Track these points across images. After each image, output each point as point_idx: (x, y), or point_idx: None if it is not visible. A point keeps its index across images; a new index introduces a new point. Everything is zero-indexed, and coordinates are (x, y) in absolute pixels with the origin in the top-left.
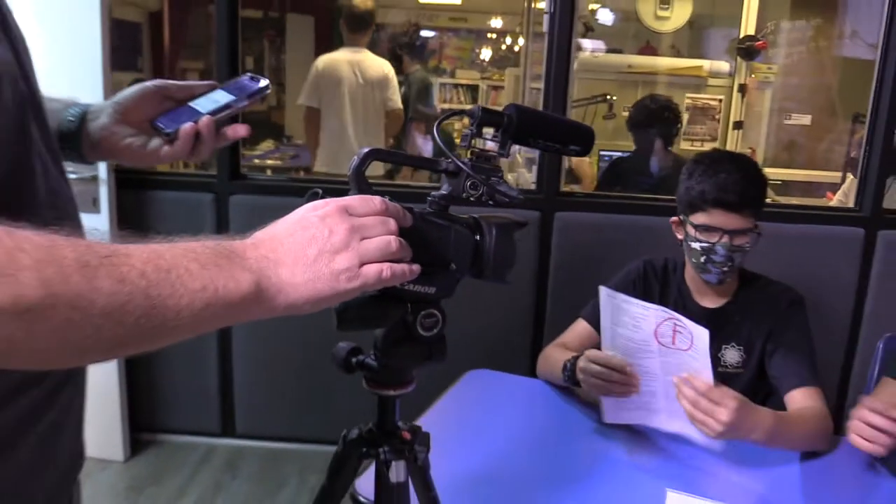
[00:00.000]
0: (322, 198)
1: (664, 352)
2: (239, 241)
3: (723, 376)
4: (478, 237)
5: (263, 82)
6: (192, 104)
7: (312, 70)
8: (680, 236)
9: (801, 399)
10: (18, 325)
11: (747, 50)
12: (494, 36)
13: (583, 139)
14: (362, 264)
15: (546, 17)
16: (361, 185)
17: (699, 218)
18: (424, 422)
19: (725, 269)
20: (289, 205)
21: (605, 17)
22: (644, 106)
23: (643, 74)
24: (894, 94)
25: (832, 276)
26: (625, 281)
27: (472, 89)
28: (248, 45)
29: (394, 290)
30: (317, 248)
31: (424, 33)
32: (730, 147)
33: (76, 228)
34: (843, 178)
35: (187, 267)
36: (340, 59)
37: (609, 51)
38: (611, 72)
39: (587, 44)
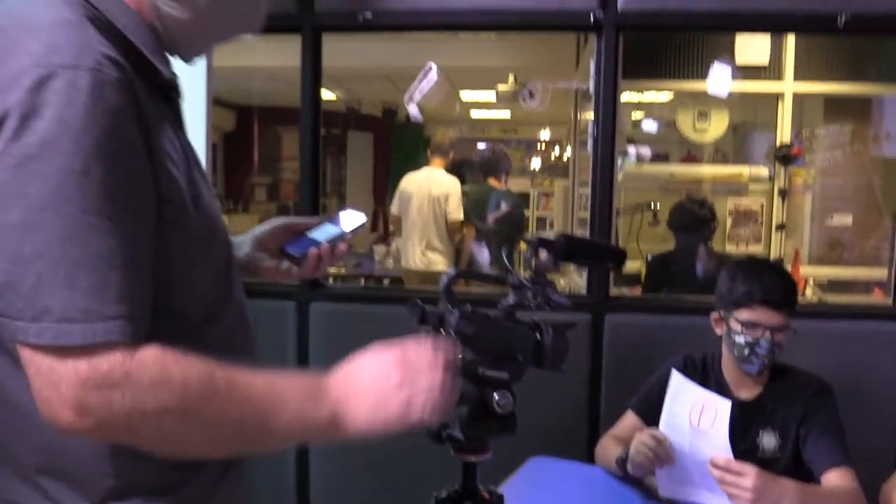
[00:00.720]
0: (421, 308)
1: (697, 432)
2: (324, 378)
3: (762, 463)
4: (538, 335)
5: (363, 218)
6: (310, 234)
7: (399, 185)
8: (719, 331)
9: (834, 479)
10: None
11: (784, 157)
12: (543, 146)
13: (617, 257)
14: (414, 404)
15: (590, 139)
16: (450, 299)
17: (744, 314)
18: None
19: (766, 361)
20: (365, 312)
21: (650, 126)
22: (681, 206)
23: (686, 183)
24: None
25: (875, 374)
26: (667, 375)
27: (524, 197)
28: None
29: (476, 376)
30: (378, 390)
31: (485, 147)
32: (774, 248)
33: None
34: (890, 276)
35: (288, 396)
36: (418, 177)
37: (654, 157)
38: (655, 181)
39: (632, 150)
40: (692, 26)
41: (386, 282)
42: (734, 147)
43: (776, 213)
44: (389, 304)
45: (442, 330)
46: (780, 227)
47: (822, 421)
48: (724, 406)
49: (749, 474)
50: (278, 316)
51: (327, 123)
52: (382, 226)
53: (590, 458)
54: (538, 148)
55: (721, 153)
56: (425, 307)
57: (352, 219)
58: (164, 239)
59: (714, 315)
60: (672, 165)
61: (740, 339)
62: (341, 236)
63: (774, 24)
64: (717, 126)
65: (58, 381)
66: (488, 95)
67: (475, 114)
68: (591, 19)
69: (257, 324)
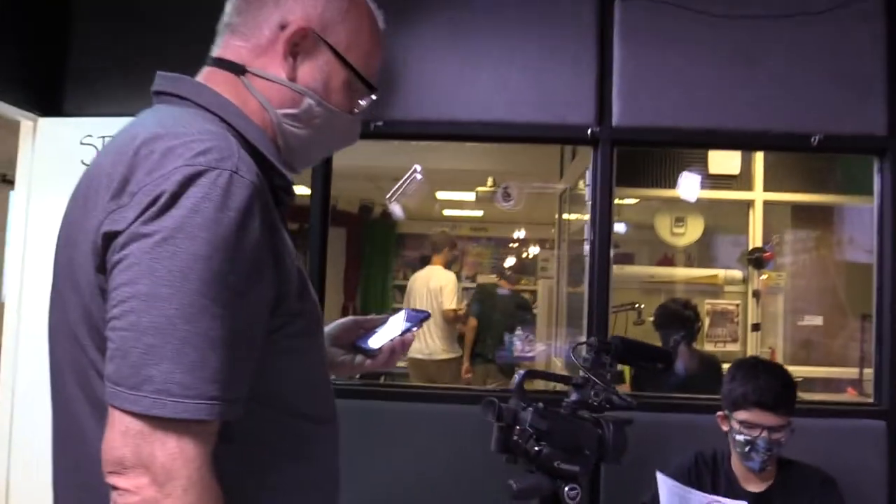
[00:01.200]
0: (497, 406)
1: None
2: None
3: None
4: (600, 431)
5: (426, 312)
6: (379, 330)
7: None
8: (725, 428)
9: None
10: None
11: (757, 260)
12: (515, 245)
13: (666, 359)
14: None
15: (587, 243)
16: (522, 396)
17: (741, 415)
18: None
19: (766, 457)
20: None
21: (618, 227)
22: (667, 307)
23: (664, 283)
24: (894, 295)
25: (862, 467)
26: (679, 470)
27: None
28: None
29: (552, 469)
30: None
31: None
32: (749, 347)
33: None
34: (860, 374)
35: None
36: (420, 273)
37: (623, 258)
38: (635, 281)
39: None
40: (679, 142)
41: (382, 378)
42: (703, 253)
43: (751, 313)
44: (394, 401)
45: (517, 426)
46: (756, 326)
47: None
48: None
49: None
50: None
51: (302, 217)
52: None
53: None
54: (509, 247)
55: (691, 256)
56: (501, 405)
57: (415, 314)
58: (279, 329)
59: (720, 413)
60: (652, 268)
61: (740, 437)
62: (408, 329)
63: (754, 142)
64: (693, 230)
65: (142, 445)
66: (462, 195)
67: (448, 212)
68: (589, 134)
69: None
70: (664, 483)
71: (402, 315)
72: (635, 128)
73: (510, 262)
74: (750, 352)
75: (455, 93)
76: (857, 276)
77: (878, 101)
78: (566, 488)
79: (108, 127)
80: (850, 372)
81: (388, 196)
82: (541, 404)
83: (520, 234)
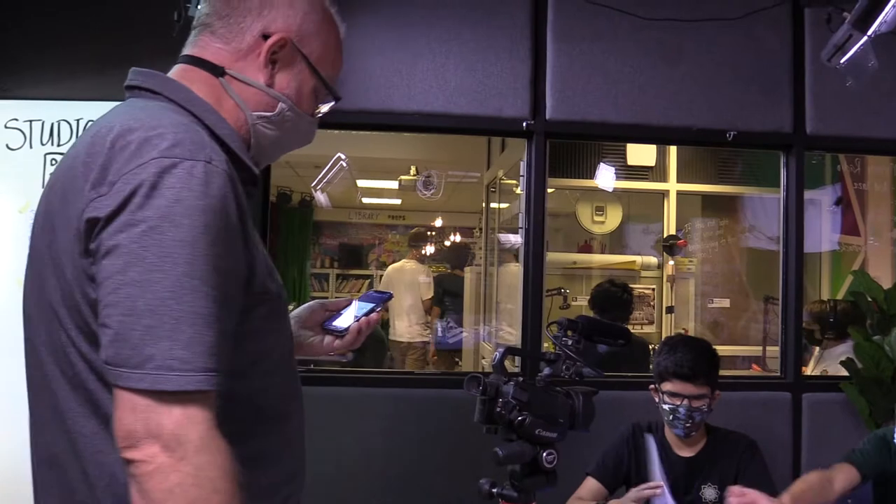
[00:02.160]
0: (481, 380)
1: None
2: None
3: None
4: (571, 401)
5: (389, 293)
6: (345, 312)
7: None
8: (657, 399)
9: None
10: None
11: (670, 247)
12: (433, 233)
13: (625, 336)
14: None
15: (521, 231)
16: (503, 371)
17: (666, 386)
18: None
19: (688, 425)
20: (339, 395)
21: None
22: (605, 289)
23: (585, 269)
24: (798, 281)
25: (771, 433)
26: (620, 443)
27: None
28: None
29: (533, 436)
30: None
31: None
32: (664, 328)
33: None
34: (764, 351)
35: None
36: (396, 266)
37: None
38: (559, 267)
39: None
40: (607, 136)
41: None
42: (621, 240)
43: (665, 297)
44: (366, 387)
45: (500, 398)
46: (670, 309)
47: (754, 472)
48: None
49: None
50: None
51: None
52: None
53: None
54: (427, 235)
55: (605, 244)
56: (485, 380)
57: (378, 295)
58: (252, 309)
59: (651, 386)
60: (574, 254)
61: (665, 406)
62: (373, 310)
63: (675, 137)
64: (612, 218)
65: (150, 417)
66: (383, 183)
67: (367, 200)
68: (524, 126)
69: None
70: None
71: (366, 297)
72: (567, 121)
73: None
74: (665, 333)
75: (393, 83)
76: (759, 261)
77: (785, 101)
78: (544, 454)
79: (33, 111)
80: (754, 350)
81: (313, 184)
82: (521, 378)
83: (438, 222)
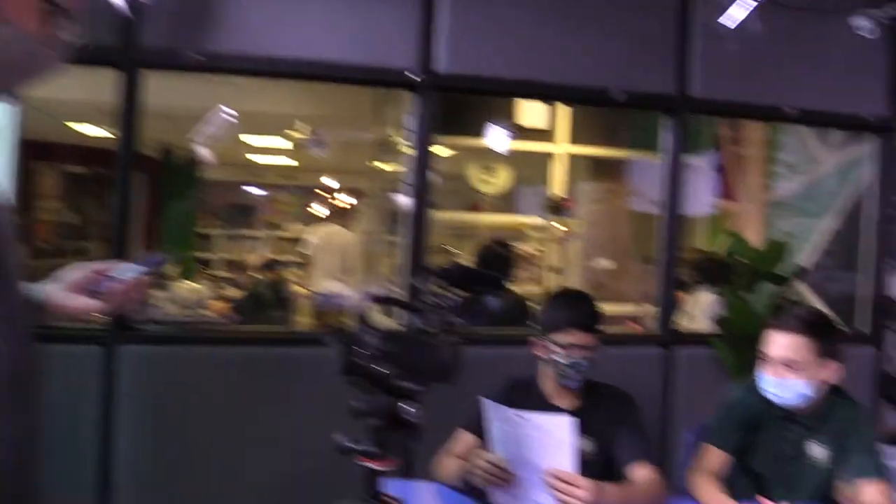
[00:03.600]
0: (343, 331)
1: (534, 449)
2: None
3: (582, 465)
4: (439, 353)
5: (160, 256)
6: (112, 274)
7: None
8: (542, 354)
9: (640, 471)
10: None
11: (557, 207)
12: (326, 193)
13: (497, 284)
14: None
15: (406, 189)
16: (366, 321)
17: (562, 337)
18: None
19: (581, 375)
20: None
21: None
22: (489, 248)
23: (473, 229)
24: (673, 243)
25: (645, 386)
26: (497, 395)
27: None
28: (79, 201)
29: (391, 388)
30: None
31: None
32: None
33: None
34: (640, 310)
35: None
36: (322, 231)
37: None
38: (446, 227)
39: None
40: (501, 91)
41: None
42: (510, 201)
43: (552, 257)
44: (213, 346)
45: (360, 349)
46: (556, 269)
47: (629, 425)
48: (563, 423)
49: (582, 485)
50: (80, 362)
51: (96, 161)
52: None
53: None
54: (317, 194)
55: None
56: (347, 330)
57: (151, 259)
58: None
59: (535, 340)
60: (463, 214)
61: (560, 359)
62: (141, 274)
63: (567, 95)
64: (502, 179)
65: None
66: (269, 140)
67: (252, 157)
68: (411, 78)
69: (53, 371)
70: (488, 405)
71: (138, 261)
72: (458, 75)
73: (319, 209)
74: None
75: (275, 28)
76: (640, 224)
77: (670, 63)
78: (406, 406)
79: None
80: (633, 309)
81: (193, 138)
82: (384, 327)
83: (330, 182)
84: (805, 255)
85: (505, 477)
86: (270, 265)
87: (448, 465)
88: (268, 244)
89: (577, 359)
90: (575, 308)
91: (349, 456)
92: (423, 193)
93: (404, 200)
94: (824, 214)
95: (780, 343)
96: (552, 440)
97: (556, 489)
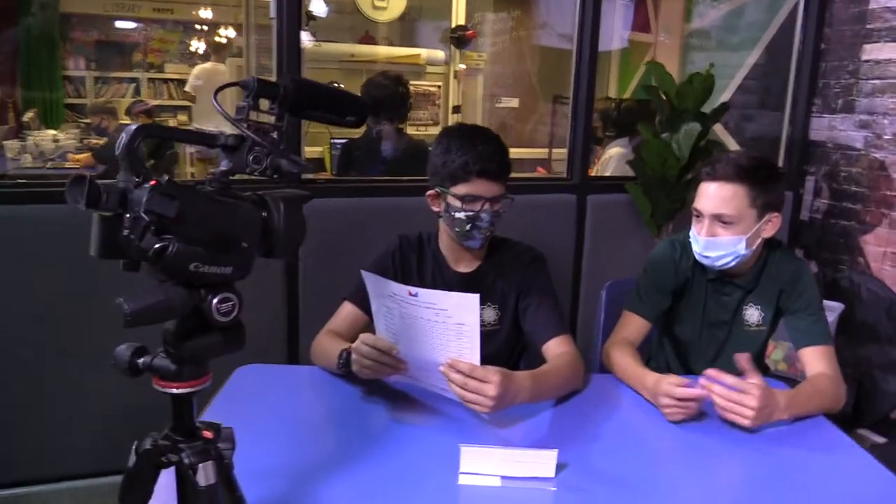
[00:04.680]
0: (91, 184)
1: (431, 330)
2: None
3: (482, 334)
4: (265, 213)
5: None
6: None
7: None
8: (437, 209)
9: (555, 347)
10: None
11: (459, 39)
12: (205, 28)
13: (359, 109)
14: None
15: (273, 10)
16: (134, 166)
17: (462, 189)
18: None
19: (488, 233)
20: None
21: (319, 9)
22: (376, 82)
23: (365, 63)
24: (590, 80)
25: (556, 237)
26: (383, 258)
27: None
28: None
29: (188, 274)
30: None
31: (125, 24)
32: None
33: None
34: (550, 154)
35: None
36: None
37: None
38: (334, 60)
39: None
40: None
41: None
42: (405, 33)
43: (452, 95)
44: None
45: (127, 213)
46: (456, 109)
47: (539, 292)
48: (467, 302)
49: (493, 382)
50: None
51: None
52: (13, 117)
53: (292, 359)
54: (197, 28)
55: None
56: (97, 181)
57: None
58: None
59: (430, 193)
60: (353, 46)
61: (461, 215)
62: None
63: None
64: (395, 5)
65: None
66: None
67: None
68: None
69: None
70: (369, 278)
71: None
72: None
73: (197, 46)
74: None
75: None
76: (549, 60)
77: None
78: (214, 301)
79: None
80: (541, 152)
81: None
82: (165, 177)
83: (207, 14)
84: (723, 92)
85: (394, 365)
86: (148, 111)
87: (326, 344)
88: (147, 88)
89: (485, 213)
90: (479, 152)
91: (138, 377)
92: (293, 21)
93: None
94: (747, 48)
95: (712, 194)
96: (452, 322)
97: (458, 384)
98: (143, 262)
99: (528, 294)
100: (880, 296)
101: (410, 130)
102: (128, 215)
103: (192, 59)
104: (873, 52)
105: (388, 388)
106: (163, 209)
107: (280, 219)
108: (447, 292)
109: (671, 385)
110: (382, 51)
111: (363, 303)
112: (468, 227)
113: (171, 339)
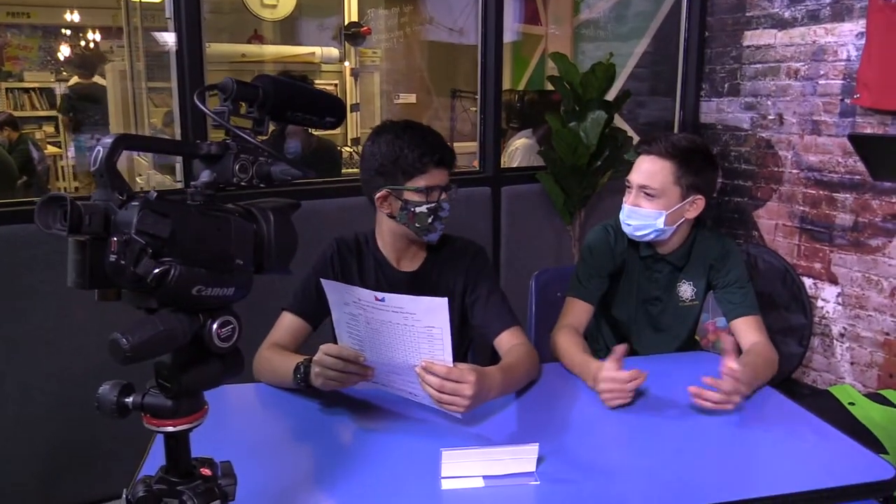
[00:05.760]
0: (71, 205)
1: (400, 334)
2: None
3: None
4: (254, 225)
5: None
6: None
7: None
8: (387, 210)
9: (508, 339)
10: None
11: (353, 35)
12: (68, 32)
13: (337, 110)
14: None
15: (169, 9)
16: (116, 183)
17: (421, 181)
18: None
19: (444, 224)
20: None
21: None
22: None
23: (257, 63)
24: (497, 72)
25: (473, 230)
26: (322, 262)
27: (48, 92)
28: None
29: (190, 299)
30: None
31: None
32: (350, 128)
33: None
34: (451, 146)
35: None
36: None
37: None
38: (225, 62)
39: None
40: None
41: None
42: (297, 31)
43: (349, 93)
44: None
45: (114, 236)
46: (355, 107)
47: (486, 285)
48: (436, 305)
49: (469, 381)
50: None
51: None
52: None
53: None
54: (62, 33)
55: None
56: (76, 202)
57: None
58: None
59: (380, 194)
60: (243, 45)
61: (422, 209)
62: None
63: None
64: (285, 3)
65: None
66: None
67: None
68: None
69: None
70: (329, 286)
71: None
72: None
73: (65, 52)
74: (352, 134)
75: None
76: (439, 54)
77: None
78: (214, 326)
79: None
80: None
81: None
82: (153, 192)
83: (73, 18)
84: (615, 80)
85: (361, 373)
86: (10, 122)
87: (273, 359)
88: (5, 98)
89: (442, 203)
90: (431, 142)
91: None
92: (191, 25)
93: (169, 37)
94: (636, 37)
95: (642, 167)
96: (421, 326)
97: (435, 387)
98: (129, 290)
99: (474, 288)
100: (775, 265)
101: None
102: (114, 238)
103: (58, 66)
104: (753, 38)
105: (349, 397)
106: (156, 229)
107: (271, 231)
108: (415, 297)
109: (609, 371)
110: (275, 50)
111: (305, 312)
112: (430, 219)
113: (167, 372)
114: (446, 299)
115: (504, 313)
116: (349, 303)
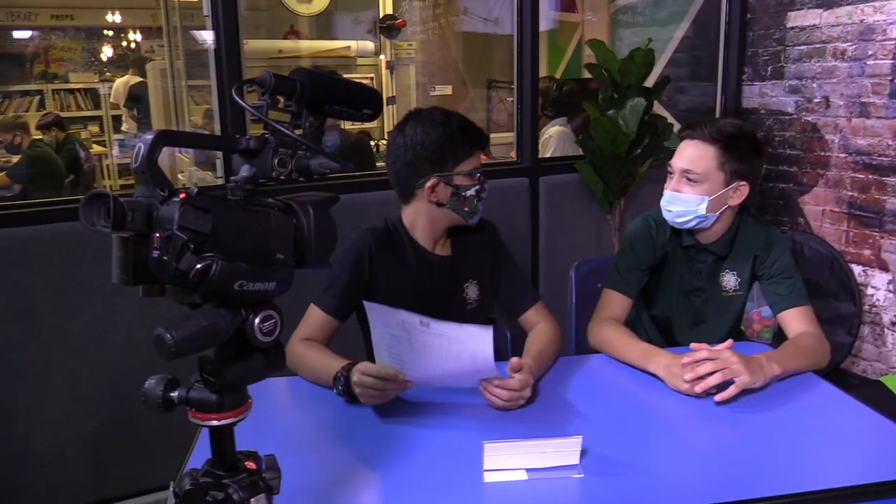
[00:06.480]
0: (114, 202)
1: (444, 355)
2: None
3: (471, 312)
4: (295, 220)
5: None
6: None
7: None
8: (436, 199)
9: (534, 317)
10: None
11: (388, 28)
12: (110, 33)
13: (374, 102)
14: None
15: (207, 7)
16: (158, 179)
17: (469, 164)
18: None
19: (484, 204)
20: None
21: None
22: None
23: (294, 58)
24: (534, 62)
25: (511, 221)
26: (357, 256)
27: (92, 93)
28: None
29: (232, 294)
30: None
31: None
32: (387, 122)
33: None
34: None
35: None
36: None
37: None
38: (262, 58)
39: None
40: None
41: None
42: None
43: (385, 86)
44: None
45: (157, 232)
46: (391, 100)
47: (508, 263)
48: (481, 335)
49: (529, 385)
50: None
51: None
52: None
53: None
54: (104, 34)
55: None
56: (120, 199)
57: None
58: None
59: (429, 183)
60: (280, 41)
61: (471, 192)
62: None
63: None
64: None
65: None
66: None
67: None
68: None
69: None
70: (372, 309)
71: None
72: None
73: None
74: (388, 127)
75: None
76: (474, 45)
77: None
78: (256, 320)
79: None
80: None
81: None
82: (194, 188)
83: (115, 18)
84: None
85: (400, 387)
86: (57, 123)
87: (310, 357)
88: (52, 100)
89: (485, 183)
90: (468, 126)
91: (170, 411)
92: (231, 23)
93: (208, 35)
94: (674, 22)
95: (685, 153)
96: (466, 350)
97: (503, 399)
98: (169, 285)
99: (500, 266)
100: (822, 253)
101: (347, 124)
102: (157, 234)
103: (101, 67)
104: (797, 18)
105: None
106: (197, 225)
107: (310, 225)
108: (460, 325)
109: (688, 362)
110: (311, 45)
111: (335, 308)
112: (476, 201)
113: (210, 366)
114: (491, 328)
115: (527, 289)
116: (392, 324)
